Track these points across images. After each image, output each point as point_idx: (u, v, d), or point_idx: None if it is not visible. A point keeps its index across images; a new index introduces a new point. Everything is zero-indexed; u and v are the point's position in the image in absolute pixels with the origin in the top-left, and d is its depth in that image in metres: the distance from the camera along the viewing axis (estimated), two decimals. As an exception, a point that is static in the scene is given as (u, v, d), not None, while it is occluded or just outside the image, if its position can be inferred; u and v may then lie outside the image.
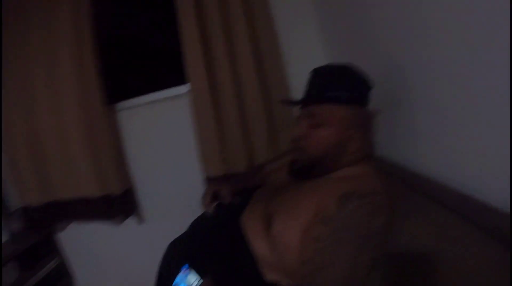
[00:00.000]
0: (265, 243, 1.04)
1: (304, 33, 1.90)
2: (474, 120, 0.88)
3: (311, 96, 1.08)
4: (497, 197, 0.82)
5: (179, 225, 1.36)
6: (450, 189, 0.97)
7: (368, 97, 1.10)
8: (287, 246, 0.98)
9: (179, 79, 1.91)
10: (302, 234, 0.96)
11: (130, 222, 2.04)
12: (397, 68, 1.19)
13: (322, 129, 1.05)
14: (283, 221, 1.02)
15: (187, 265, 1.05)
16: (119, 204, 1.87)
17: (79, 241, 2.11)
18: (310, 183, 1.07)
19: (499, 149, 0.80)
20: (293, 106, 1.17)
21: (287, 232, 0.99)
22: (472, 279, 0.67)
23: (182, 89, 1.92)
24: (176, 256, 1.26)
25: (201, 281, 1.02)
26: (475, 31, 0.79)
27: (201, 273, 1.06)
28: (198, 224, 1.30)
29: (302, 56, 1.90)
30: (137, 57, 2.32)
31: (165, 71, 2.25)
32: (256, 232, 1.07)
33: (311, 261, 0.88)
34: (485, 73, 0.79)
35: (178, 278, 1.05)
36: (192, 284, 1.02)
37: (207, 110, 1.76)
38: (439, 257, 0.77)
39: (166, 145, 2.00)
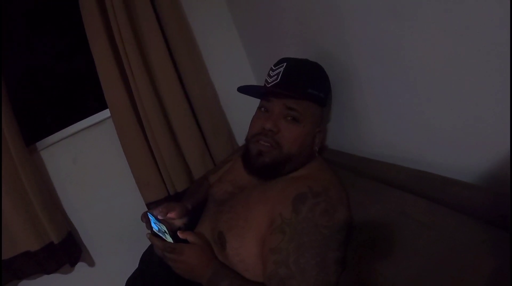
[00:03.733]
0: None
1: (223, 35, 1.89)
2: (407, 94, 0.86)
3: (290, 88, 1.00)
4: (448, 167, 0.81)
5: (131, 259, 1.33)
6: (400, 167, 0.93)
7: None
8: (246, 264, 0.95)
9: (101, 104, 1.79)
10: (260, 247, 0.92)
11: (81, 267, 1.91)
12: (323, 54, 1.15)
13: (299, 126, 1.01)
14: (237, 238, 0.97)
15: None
16: (63, 252, 1.73)
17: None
18: (258, 190, 1.03)
19: (442, 119, 0.79)
20: (252, 93, 1.12)
21: (244, 248, 0.95)
22: (450, 260, 0.64)
23: (106, 113, 1.80)
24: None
25: None
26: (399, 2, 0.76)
27: None
28: (147, 258, 1.25)
29: (224, 58, 1.89)
30: (51, 89, 2.17)
31: (86, 98, 2.13)
32: None
33: (276, 275, 0.84)
34: (417, 47, 0.77)
35: None
36: None
37: (132, 133, 1.67)
38: (409, 243, 0.74)
39: (99, 176, 1.87)
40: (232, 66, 1.89)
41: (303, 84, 1.00)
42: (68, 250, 1.77)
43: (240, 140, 1.80)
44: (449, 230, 0.67)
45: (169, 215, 1.12)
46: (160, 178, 1.73)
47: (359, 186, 0.97)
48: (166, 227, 1.00)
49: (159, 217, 1.08)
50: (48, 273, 1.78)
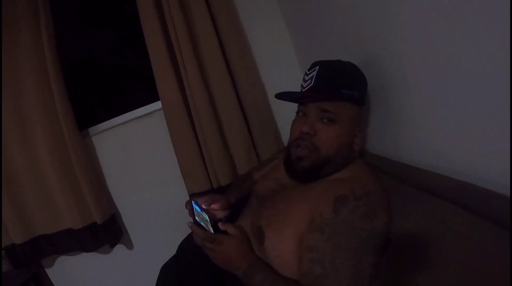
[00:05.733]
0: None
1: (273, 34, 1.91)
2: (456, 103, 0.84)
3: (323, 91, 1.02)
4: (493, 180, 0.79)
5: (168, 246, 1.36)
6: (443, 177, 0.92)
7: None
8: (283, 259, 0.96)
9: (152, 97, 1.87)
10: (297, 244, 0.93)
11: (119, 249, 1.98)
12: (371, 58, 1.16)
13: (335, 127, 1.02)
14: (276, 233, 0.98)
15: None
16: (104, 232, 1.80)
17: (69, 274, 2.02)
18: (300, 189, 1.04)
19: (490, 130, 0.77)
20: (289, 99, 1.13)
21: (282, 244, 0.96)
22: (486, 273, 0.64)
23: (156, 105, 1.88)
24: (167, 283, 1.23)
25: None
26: (449, 9, 0.75)
27: None
28: (185, 246, 1.27)
29: (274, 59, 1.91)
30: (106, 79, 2.26)
31: (136, 90, 2.21)
32: None
33: (310, 272, 0.85)
34: (466, 54, 0.75)
35: None
36: None
37: (182, 125, 1.73)
38: (445, 252, 0.73)
39: (146, 164, 1.95)
40: (282, 67, 1.91)
41: (336, 86, 1.01)
42: (110, 232, 1.84)
43: (286, 140, 1.82)
44: (487, 243, 0.67)
45: (212, 205, 1.16)
46: (205, 171, 1.77)
47: (401, 193, 0.96)
48: (208, 217, 1.03)
49: (203, 206, 1.13)
50: (87, 251, 1.86)
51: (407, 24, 0.92)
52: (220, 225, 1.03)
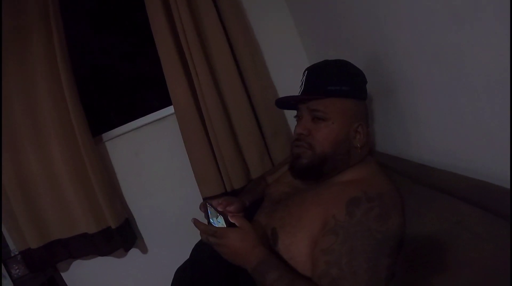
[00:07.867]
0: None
1: (283, 35, 1.92)
2: (469, 100, 0.83)
3: (310, 92, 1.04)
4: (509, 179, 0.77)
5: (182, 250, 1.35)
6: (458, 176, 0.91)
7: (366, 91, 1.09)
8: (296, 261, 0.95)
9: (164, 102, 1.89)
10: (310, 247, 0.93)
11: (133, 252, 2.00)
12: (382, 56, 1.16)
13: (327, 123, 1.02)
14: (289, 235, 0.98)
15: None
16: (118, 237, 1.82)
17: (84, 278, 2.04)
18: (313, 192, 1.04)
19: (504, 127, 0.74)
20: (289, 106, 1.15)
21: (295, 246, 0.96)
22: (500, 273, 0.63)
23: (168, 110, 1.90)
24: (181, 286, 1.24)
25: None
26: (459, 6, 0.75)
27: None
28: (199, 249, 1.25)
29: (284, 58, 1.91)
30: (118, 85, 2.29)
31: (149, 95, 2.23)
32: None
33: (328, 274, 0.85)
34: (478, 51, 0.74)
35: None
36: None
37: (195, 129, 1.74)
38: (461, 254, 0.71)
39: (159, 168, 1.97)
40: (292, 68, 1.83)
41: (321, 84, 1.02)
42: (124, 236, 1.86)
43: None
44: (505, 243, 0.64)
45: (227, 208, 1.16)
46: (219, 174, 1.78)
47: (415, 194, 0.95)
48: (223, 219, 1.03)
49: (218, 208, 1.13)
50: (102, 255, 1.88)
51: (417, 21, 0.92)
52: (230, 217, 1.02)
